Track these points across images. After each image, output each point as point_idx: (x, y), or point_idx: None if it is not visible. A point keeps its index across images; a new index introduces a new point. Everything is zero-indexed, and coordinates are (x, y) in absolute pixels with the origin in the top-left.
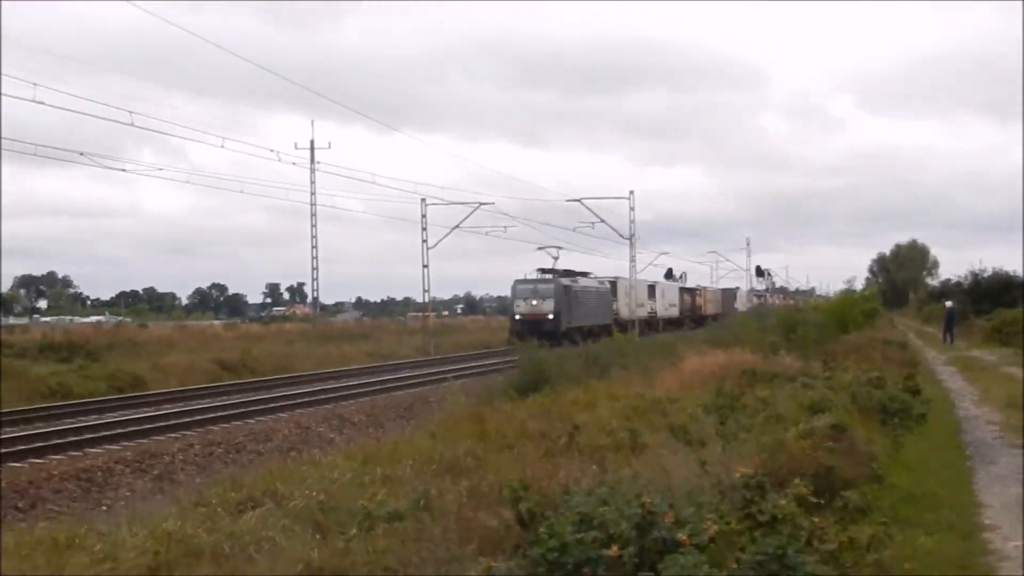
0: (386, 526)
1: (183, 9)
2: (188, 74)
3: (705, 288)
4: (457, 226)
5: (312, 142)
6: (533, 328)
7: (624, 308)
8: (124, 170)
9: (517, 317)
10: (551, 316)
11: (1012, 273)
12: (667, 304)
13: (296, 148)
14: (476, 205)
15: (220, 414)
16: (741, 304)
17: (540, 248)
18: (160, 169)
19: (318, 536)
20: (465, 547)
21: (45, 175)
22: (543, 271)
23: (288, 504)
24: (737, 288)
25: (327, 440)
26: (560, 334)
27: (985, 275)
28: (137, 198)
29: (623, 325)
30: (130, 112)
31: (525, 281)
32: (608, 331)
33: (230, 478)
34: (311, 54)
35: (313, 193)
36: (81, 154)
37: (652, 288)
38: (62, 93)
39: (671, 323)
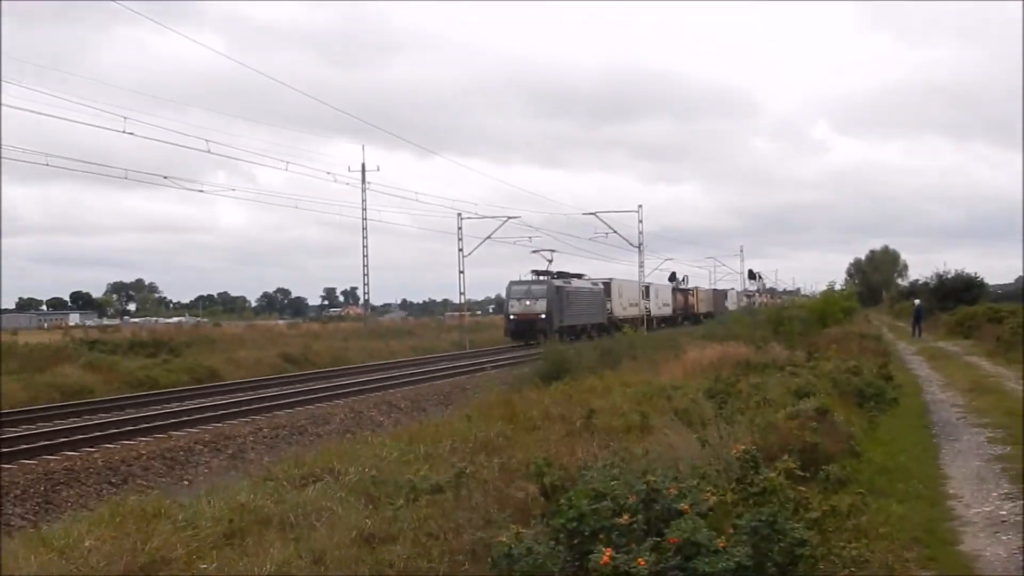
0: (429, 497)
1: (253, 50)
2: (256, 107)
3: (697, 289)
4: (488, 237)
5: (363, 165)
6: (526, 327)
7: (618, 307)
8: (202, 191)
9: (511, 317)
10: (543, 316)
11: (972, 275)
12: (660, 303)
13: (349, 171)
14: (505, 219)
15: (284, 401)
16: (732, 303)
17: (535, 251)
18: (233, 190)
19: (370, 506)
20: (497, 516)
21: (135, 196)
22: (537, 273)
23: (344, 479)
24: (730, 289)
25: (377, 423)
26: (552, 332)
27: (948, 276)
28: (213, 215)
29: (617, 323)
30: (207, 141)
31: (519, 282)
32: (602, 329)
33: (294, 456)
34: (363, 89)
35: (364, 209)
36: (165, 177)
37: (646, 289)
38: (148, 125)
39: (665, 321)
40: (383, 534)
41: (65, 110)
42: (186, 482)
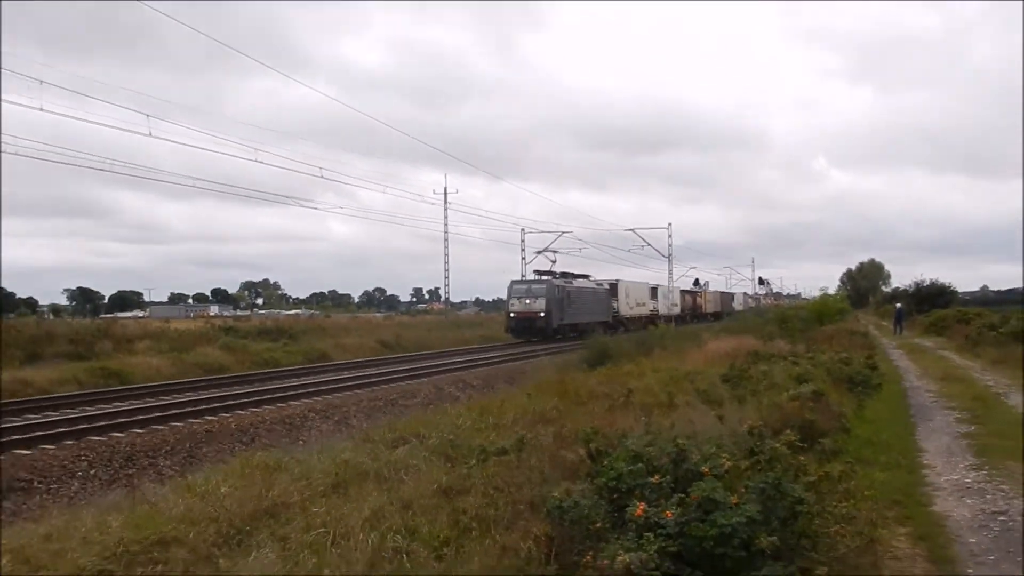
0: (496, 459)
1: (358, 95)
2: (360, 141)
3: (705, 291)
4: (546, 248)
5: (445, 189)
6: (526, 325)
7: (624, 307)
8: (316, 208)
9: (511, 315)
10: (542, 314)
11: (944, 283)
12: (669, 304)
13: (434, 193)
14: (559, 233)
15: (380, 378)
16: (738, 305)
17: (540, 252)
18: (340, 208)
19: (448, 465)
20: (551, 475)
21: (262, 212)
22: (539, 273)
23: (427, 442)
24: (739, 292)
25: (454, 397)
26: (552, 330)
27: (925, 284)
28: (325, 228)
29: (623, 322)
30: (320, 168)
31: (520, 282)
32: (607, 327)
33: (387, 423)
34: (445, 127)
35: (446, 224)
36: (287, 197)
37: (654, 290)
38: (274, 155)
39: (673, 320)
40: (459, 487)
41: (209, 143)
42: (301, 442)
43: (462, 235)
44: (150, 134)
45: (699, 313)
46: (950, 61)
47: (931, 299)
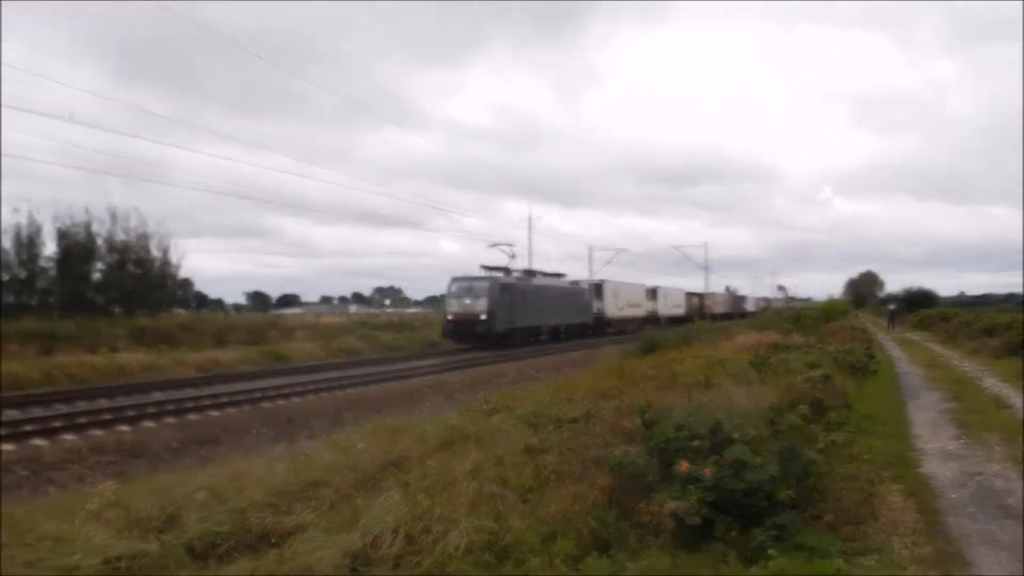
0: (569, 426)
1: (461, 143)
2: (461, 178)
3: (712, 293)
4: (609, 262)
5: (529, 216)
6: (464, 328)
7: (612, 308)
8: (428, 231)
9: (449, 317)
10: (483, 317)
11: (928, 289)
12: (671, 305)
13: (519, 219)
14: (618, 250)
15: (478, 363)
16: (750, 306)
17: (493, 245)
18: (446, 231)
19: (531, 430)
20: (612, 439)
21: (391, 234)
22: (489, 269)
23: (515, 412)
24: (751, 296)
25: (535, 378)
26: (496, 335)
27: (913, 290)
28: (436, 245)
29: (610, 323)
30: (429, 200)
31: (461, 279)
32: (585, 329)
33: (483, 397)
34: (527, 167)
35: (529, 242)
36: (409, 223)
37: (652, 291)
38: (397, 190)
39: (676, 321)
40: (540, 447)
41: (348, 181)
42: (417, 411)
43: (542, 252)
44: (304, 175)
45: (706, 315)
46: (929, 111)
47: (918, 302)
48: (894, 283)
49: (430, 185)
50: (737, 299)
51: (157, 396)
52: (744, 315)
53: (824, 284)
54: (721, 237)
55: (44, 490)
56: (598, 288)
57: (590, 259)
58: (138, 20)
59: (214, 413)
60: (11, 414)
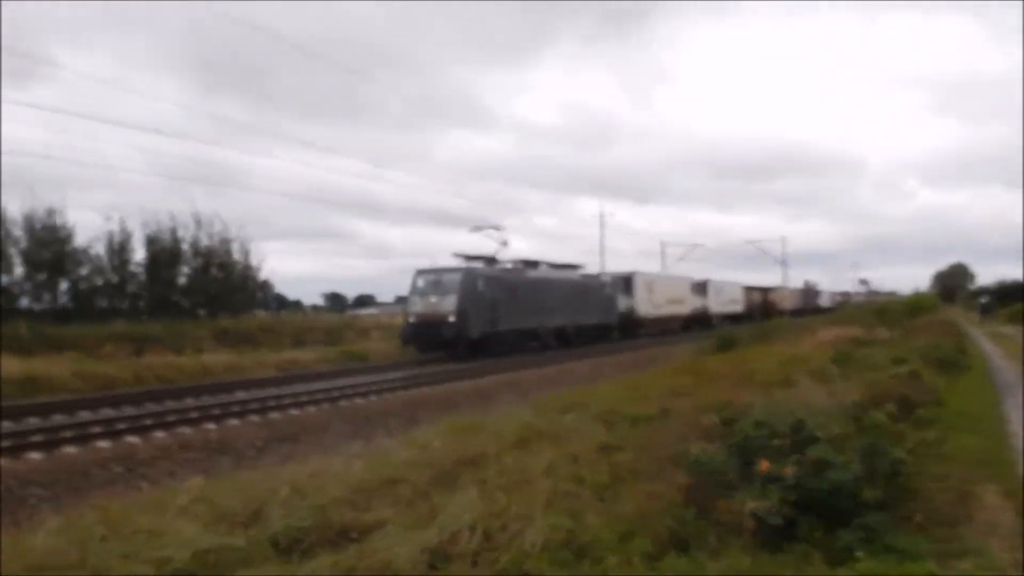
0: (644, 423)
1: (531, 142)
2: (534, 178)
3: (778, 287)
4: (682, 258)
5: (600, 213)
6: (426, 333)
7: (646, 305)
8: (502, 230)
9: (410, 319)
10: (451, 319)
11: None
12: (724, 301)
13: (590, 217)
14: (692, 246)
15: (551, 361)
16: (825, 301)
17: (476, 229)
18: (519, 230)
19: (605, 428)
20: (689, 436)
21: (461, 234)
22: (469, 259)
23: (589, 410)
24: (826, 290)
25: (609, 376)
26: (468, 342)
27: (1007, 282)
28: (511, 244)
29: (642, 323)
30: (505, 201)
31: (427, 271)
32: (607, 331)
33: (555, 395)
34: (599, 164)
35: (602, 239)
36: (480, 225)
37: (701, 285)
38: (469, 190)
39: (731, 320)
40: (614, 445)
41: (421, 183)
42: (491, 409)
43: (614, 248)
44: (377, 178)
45: (772, 311)
46: (1019, 97)
47: (1012, 294)
48: (986, 275)
49: (502, 185)
50: (809, 294)
51: (240, 395)
52: (818, 311)
53: (909, 277)
54: (799, 231)
55: (137, 485)
56: (627, 282)
57: (663, 255)
58: (218, 34)
59: (294, 412)
60: (107, 412)
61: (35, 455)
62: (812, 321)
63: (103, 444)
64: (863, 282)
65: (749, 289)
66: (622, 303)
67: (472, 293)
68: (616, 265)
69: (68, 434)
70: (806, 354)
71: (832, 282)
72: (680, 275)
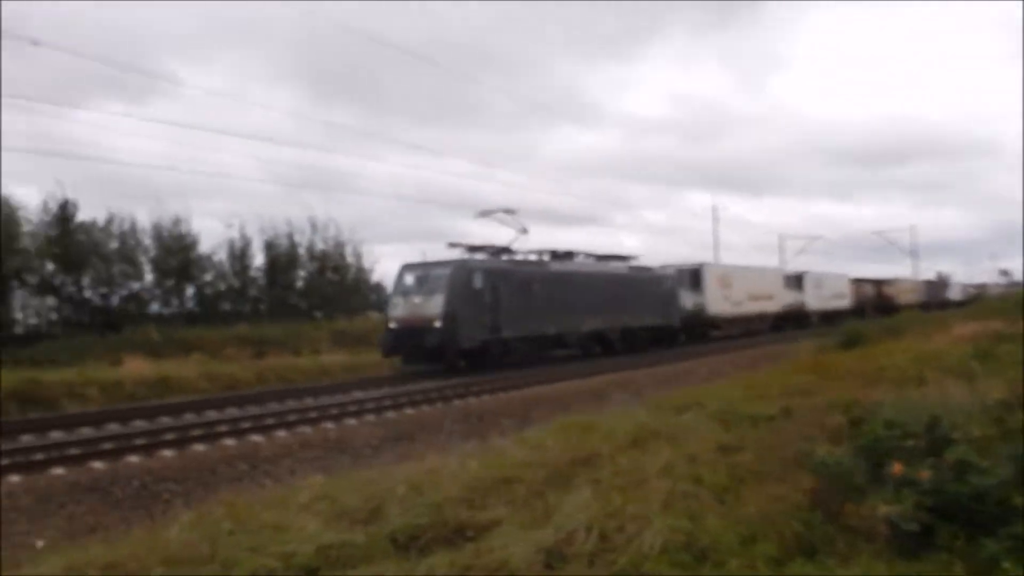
0: (764, 423)
1: (638, 137)
2: (641, 171)
3: (896, 279)
4: (802, 251)
5: (713, 207)
6: (408, 341)
7: (718, 302)
8: (609, 227)
9: (391, 324)
10: (437, 323)
11: None
12: (827, 295)
13: (702, 211)
14: (812, 238)
15: (667, 360)
16: (955, 294)
17: (483, 213)
18: (628, 227)
19: (723, 428)
20: (814, 437)
21: (568, 232)
22: (472, 249)
23: (705, 410)
24: (956, 283)
25: (727, 374)
26: (456, 352)
27: None
28: (616, 242)
29: (714, 323)
30: (613, 197)
31: (413, 266)
32: (668, 334)
33: (668, 394)
34: (711, 156)
35: (715, 234)
36: (589, 220)
37: (796, 278)
38: (576, 187)
39: (836, 317)
40: (734, 446)
41: (527, 182)
42: (605, 408)
43: (728, 243)
44: (484, 178)
45: (888, 306)
46: None
47: None
48: None
49: (609, 181)
50: (936, 286)
51: (357, 395)
52: (945, 305)
53: None
54: (930, 219)
55: (261, 482)
56: (694, 275)
57: (780, 249)
58: (329, 43)
59: (409, 411)
60: (232, 412)
61: (168, 452)
62: (945, 315)
63: (229, 442)
64: (1004, 272)
65: (859, 282)
66: (687, 300)
67: (465, 291)
68: (731, 261)
69: (197, 432)
70: (941, 350)
71: (969, 273)
72: (767, 266)
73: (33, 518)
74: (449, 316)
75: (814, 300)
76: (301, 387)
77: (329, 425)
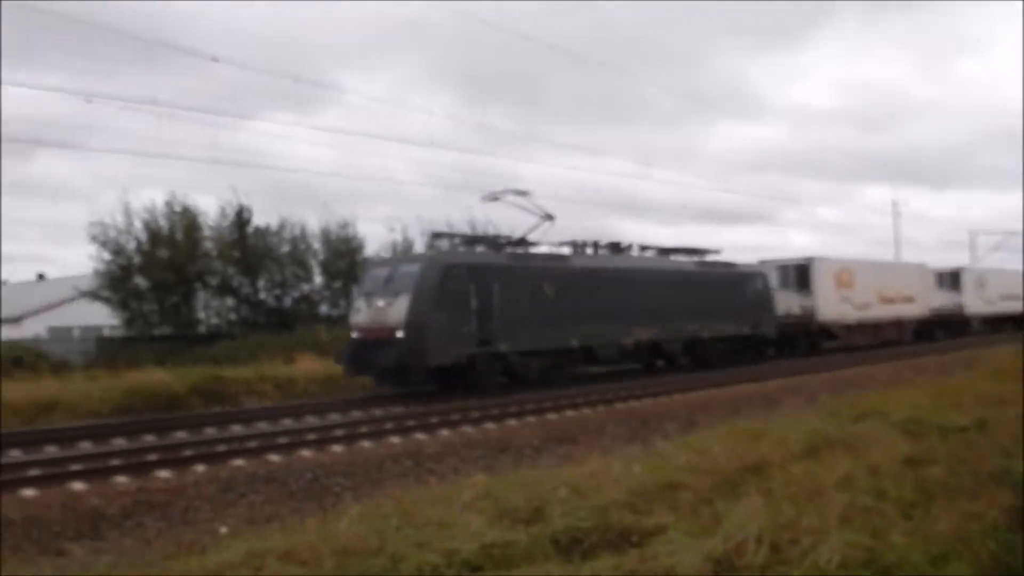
0: (956, 435)
1: (808, 129)
2: (811, 165)
3: None
4: (996, 247)
5: (894, 201)
6: (366, 355)
7: (834, 304)
8: (776, 225)
9: (353, 334)
10: (399, 334)
11: None
12: (992, 297)
13: (881, 206)
14: (1008, 233)
15: (842, 365)
16: None
17: (489, 197)
18: (798, 224)
19: (909, 438)
20: (1016, 450)
21: (733, 230)
22: (468, 241)
23: (889, 418)
24: None
25: (911, 380)
26: (421, 370)
27: None
28: (786, 239)
29: (827, 331)
30: (781, 193)
31: (380, 262)
32: (757, 345)
33: (847, 400)
34: (888, 144)
35: (896, 230)
36: (755, 218)
37: (952, 275)
38: (741, 184)
39: (1004, 323)
40: (922, 458)
41: (689, 180)
42: (775, 414)
43: (911, 239)
44: (644, 177)
45: None
46: None
47: None
48: None
49: (776, 176)
50: None
51: (517, 396)
52: None
53: None
54: None
55: (425, 479)
56: (801, 272)
57: (971, 246)
58: (485, 47)
59: (570, 413)
60: (396, 410)
61: (337, 448)
62: None
63: (395, 440)
64: None
65: None
66: (792, 304)
67: (439, 293)
68: (914, 258)
69: (364, 429)
70: None
71: None
72: (908, 262)
73: (216, 506)
74: (414, 325)
75: (975, 302)
76: None
77: (491, 425)
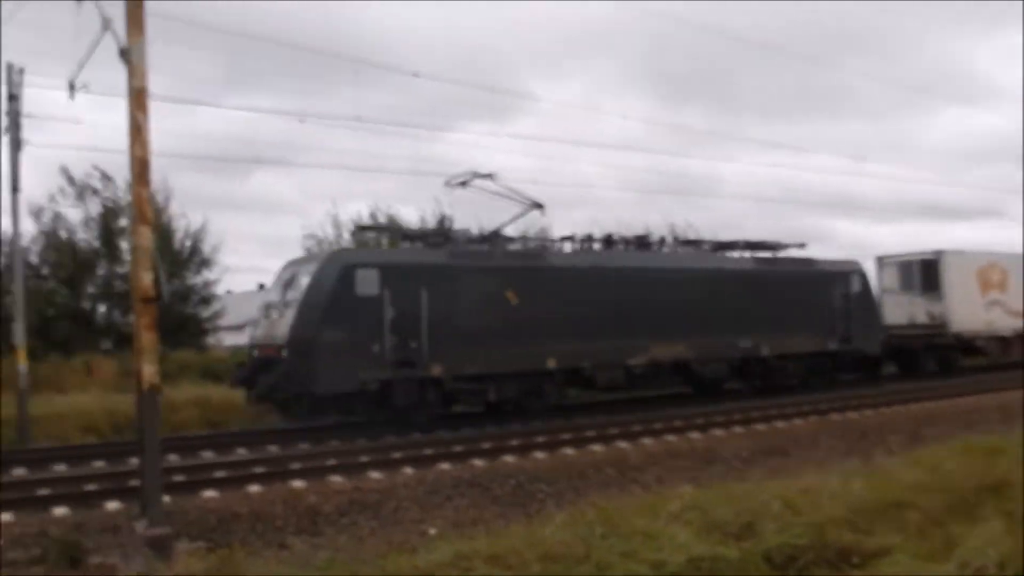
0: None
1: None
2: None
3: None
4: None
5: None
6: (253, 375)
7: (972, 310)
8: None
9: (252, 352)
10: (285, 352)
11: None
12: None
13: None
14: None
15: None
16: None
17: (451, 182)
18: None
19: None
20: None
21: (961, 227)
22: (409, 236)
23: None
24: None
25: None
26: (309, 398)
27: None
28: (1017, 237)
29: (967, 344)
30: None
31: (290, 262)
32: (843, 363)
33: None
34: None
35: None
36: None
37: None
38: (969, 178)
39: None
40: None
41: (907, 174)
42: (1017, 428)
43: None
44: (855, 173)
45: None
46: None
47: None
48: None
49: (1008, 167)
50: None
51: (727, 404)
52: None
53: None
54: None
55: (629, 489)
56: (927, 270)
57: None
58: (675, 46)
59: (780, 424)
60: (600, 418)
61: (540, 455)
62: None
63: (597, 448)
64: None
65: None
66: (916, 311)
67: (334, 300)
68: None
69: (566, 436)
70: None
71: None
72: None
73: (424, 507)
74: (300, 341)
75: None
76: (663, 395)
77: (695, 435)
